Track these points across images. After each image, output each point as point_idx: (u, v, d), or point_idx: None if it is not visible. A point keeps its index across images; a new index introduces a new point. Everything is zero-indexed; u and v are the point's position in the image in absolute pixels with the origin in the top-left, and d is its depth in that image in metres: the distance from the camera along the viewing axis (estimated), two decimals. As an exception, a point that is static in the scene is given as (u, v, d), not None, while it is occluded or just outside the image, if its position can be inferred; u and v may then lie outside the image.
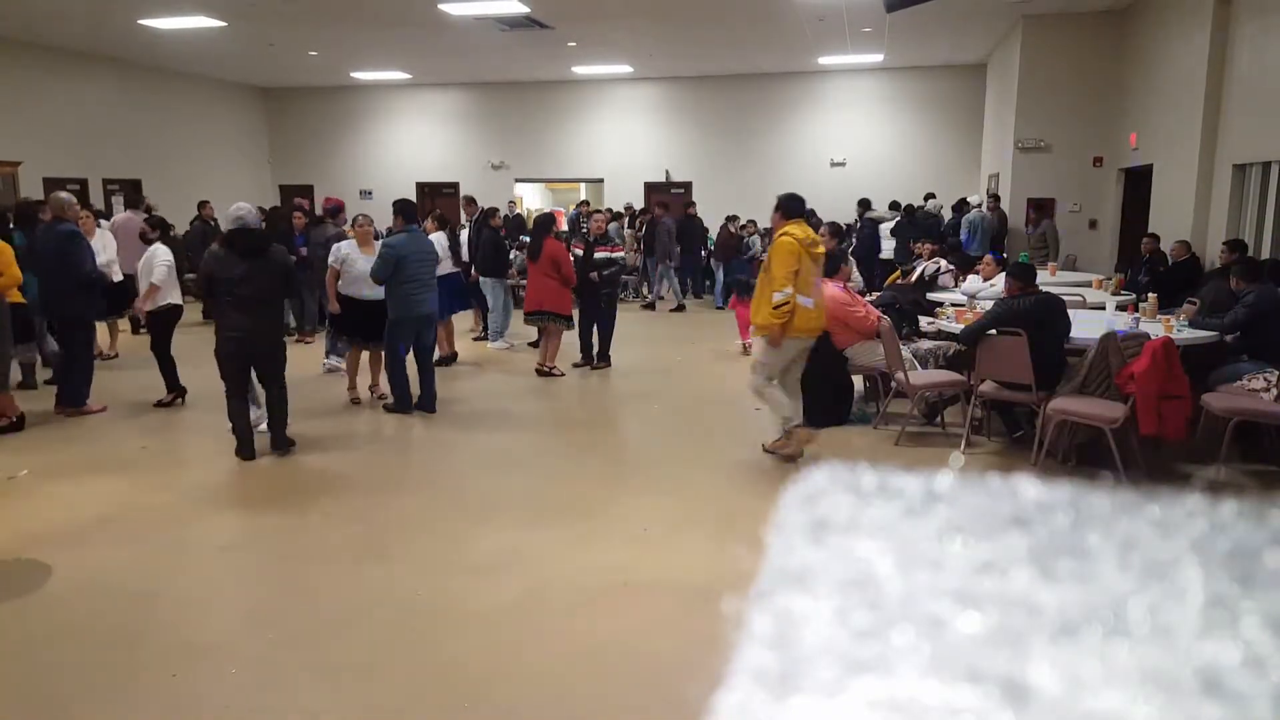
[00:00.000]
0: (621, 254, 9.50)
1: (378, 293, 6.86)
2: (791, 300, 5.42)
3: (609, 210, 14.93)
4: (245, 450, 5.84)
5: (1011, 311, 5.70)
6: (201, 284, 5.95)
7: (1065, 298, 7.22)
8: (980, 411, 6.45)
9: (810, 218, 6.43)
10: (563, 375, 8.50)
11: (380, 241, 7.20)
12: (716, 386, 8.06)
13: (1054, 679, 0.28)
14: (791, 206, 5.67)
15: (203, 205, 12.44)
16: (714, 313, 13.24)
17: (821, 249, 5.76)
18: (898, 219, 13.63)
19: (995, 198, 13.89)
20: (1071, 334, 5.88)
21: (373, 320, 7.02)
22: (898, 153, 17.30)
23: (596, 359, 8.89)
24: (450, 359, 9.07)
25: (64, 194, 7.10)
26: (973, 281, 8.25)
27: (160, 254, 7.06)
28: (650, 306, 13.59)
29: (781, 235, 5.53)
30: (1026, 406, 6.06)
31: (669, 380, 8.47)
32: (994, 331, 5.73)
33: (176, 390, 7.30)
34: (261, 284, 5.67)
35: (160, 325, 7.13)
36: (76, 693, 3.22)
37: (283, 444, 5.97)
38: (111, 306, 8.66)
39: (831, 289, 6.70)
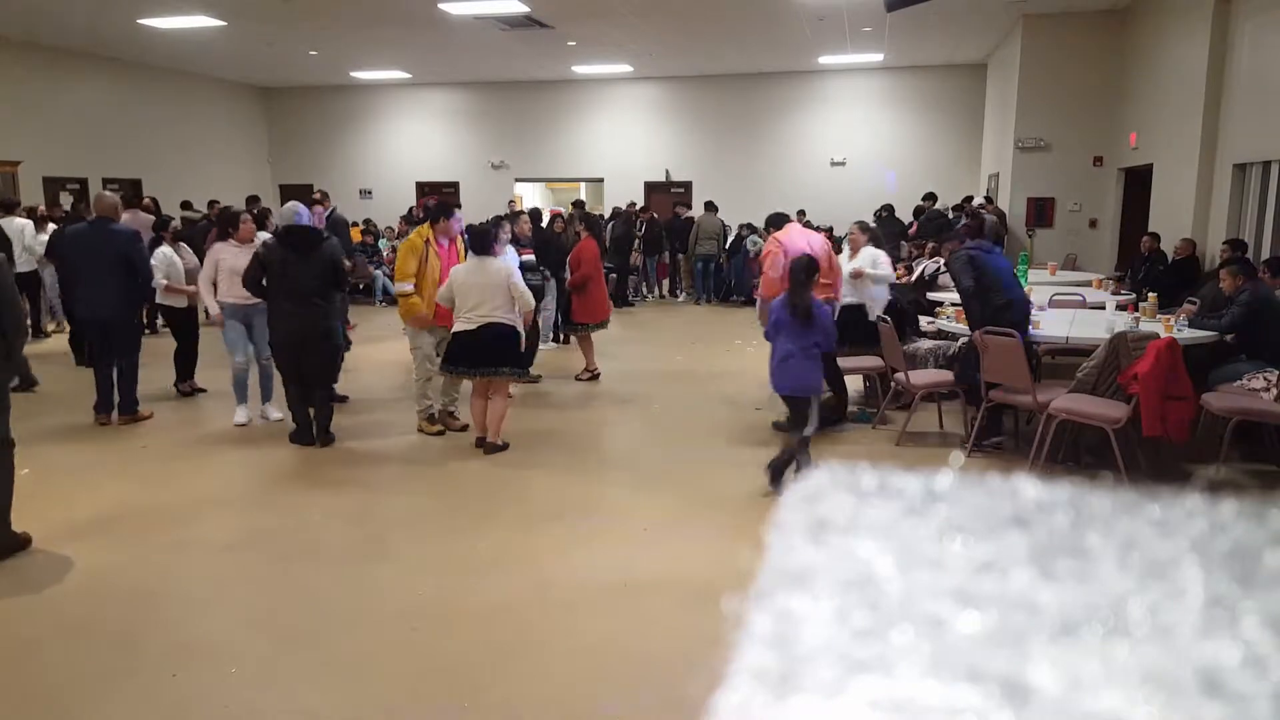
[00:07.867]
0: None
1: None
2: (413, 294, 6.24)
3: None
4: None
5: (958, 263, 5.90)
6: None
7: (1065, 297, 7.18)
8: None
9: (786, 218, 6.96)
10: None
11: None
12: (717, 386, 8.06)
13: (1054, 679, 0.28)
14: (434, 212, 6.66)
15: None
16: (717, 312, 13.23)
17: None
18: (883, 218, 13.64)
19: (988, 199, 13.86)
20: (1071, 334, 5.86)
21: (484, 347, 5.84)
22: (898, 153, 17.28)
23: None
24: None
25: (109, 193, 6.92)
26: (928, 266, 8.93)
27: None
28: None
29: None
30: (1022, 410, 6.05)
31: (669, 379, 8.46)
32: (990, 331, 5.72)
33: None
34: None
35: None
36: (76, 693, 3.21)
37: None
38: None
39: (816, 238, 6.64)
